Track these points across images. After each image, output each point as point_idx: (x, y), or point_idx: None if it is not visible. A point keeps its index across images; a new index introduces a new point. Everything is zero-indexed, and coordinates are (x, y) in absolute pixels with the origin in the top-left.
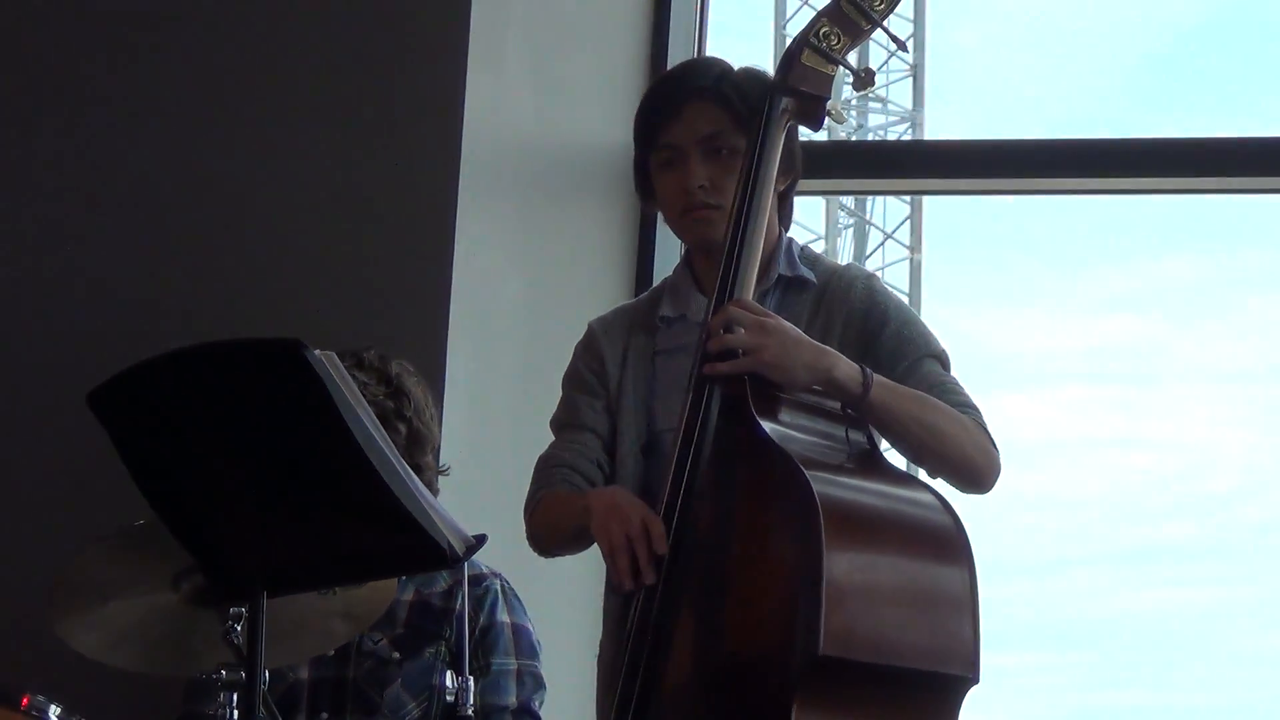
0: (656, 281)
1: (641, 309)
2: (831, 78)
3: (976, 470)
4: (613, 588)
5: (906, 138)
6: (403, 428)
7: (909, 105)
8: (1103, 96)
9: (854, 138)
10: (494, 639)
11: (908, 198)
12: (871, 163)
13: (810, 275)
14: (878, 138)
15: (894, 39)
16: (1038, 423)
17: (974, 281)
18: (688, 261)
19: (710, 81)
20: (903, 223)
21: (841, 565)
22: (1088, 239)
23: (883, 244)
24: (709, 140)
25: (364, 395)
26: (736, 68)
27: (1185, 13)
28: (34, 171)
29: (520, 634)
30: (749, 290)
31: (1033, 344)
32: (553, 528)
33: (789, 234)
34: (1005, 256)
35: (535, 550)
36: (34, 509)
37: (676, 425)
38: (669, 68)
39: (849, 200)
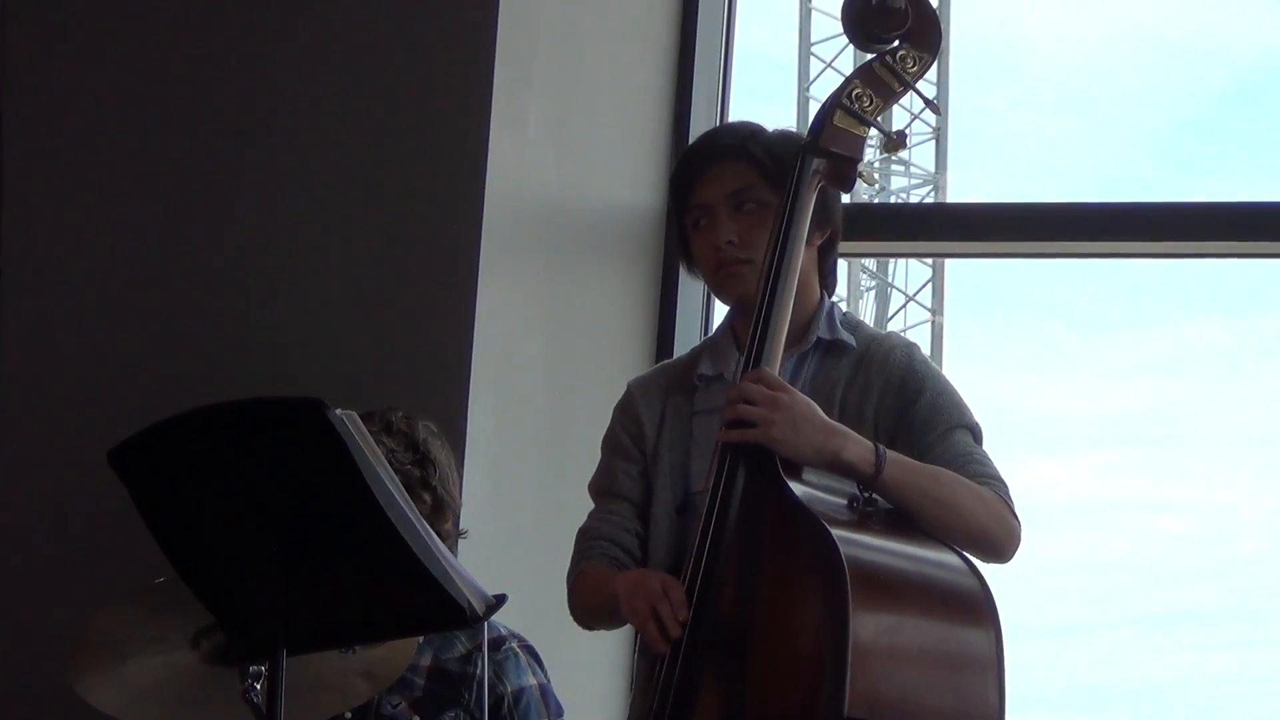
0: (677, 343)
1: (681, 368)
2: (863, 139)
3: (994, 542)
4: (642, 651)
5: (929, 200)
6: (428, 497)
7: (932, 168)
8: (1129, 161)
9: (876, 200)
10: (526, 706)
11: (930, 260)
12: (894, 225)
13: (850, 340)
14: (900, 200)
15: (926, 101)
16: (1061, 486)
17: (996, 344)
18: (730, 322)
19: (735, 140)
20: (925, 285)
21: (867, 627)
22: (1113, 302)
23: (904, 306)
24: (735, 196)
25: (391, 462)
26: (770, 129)
27: (1213, 78)
28: (52, 223)
29: (546, 694)
30: (778, 352)
31: (1057, 407)
32: (589, 607)
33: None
34: (1028, 319)
35: (578, 624)
36: (55, 566)
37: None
38: (699, 130)
39: (871, 263)
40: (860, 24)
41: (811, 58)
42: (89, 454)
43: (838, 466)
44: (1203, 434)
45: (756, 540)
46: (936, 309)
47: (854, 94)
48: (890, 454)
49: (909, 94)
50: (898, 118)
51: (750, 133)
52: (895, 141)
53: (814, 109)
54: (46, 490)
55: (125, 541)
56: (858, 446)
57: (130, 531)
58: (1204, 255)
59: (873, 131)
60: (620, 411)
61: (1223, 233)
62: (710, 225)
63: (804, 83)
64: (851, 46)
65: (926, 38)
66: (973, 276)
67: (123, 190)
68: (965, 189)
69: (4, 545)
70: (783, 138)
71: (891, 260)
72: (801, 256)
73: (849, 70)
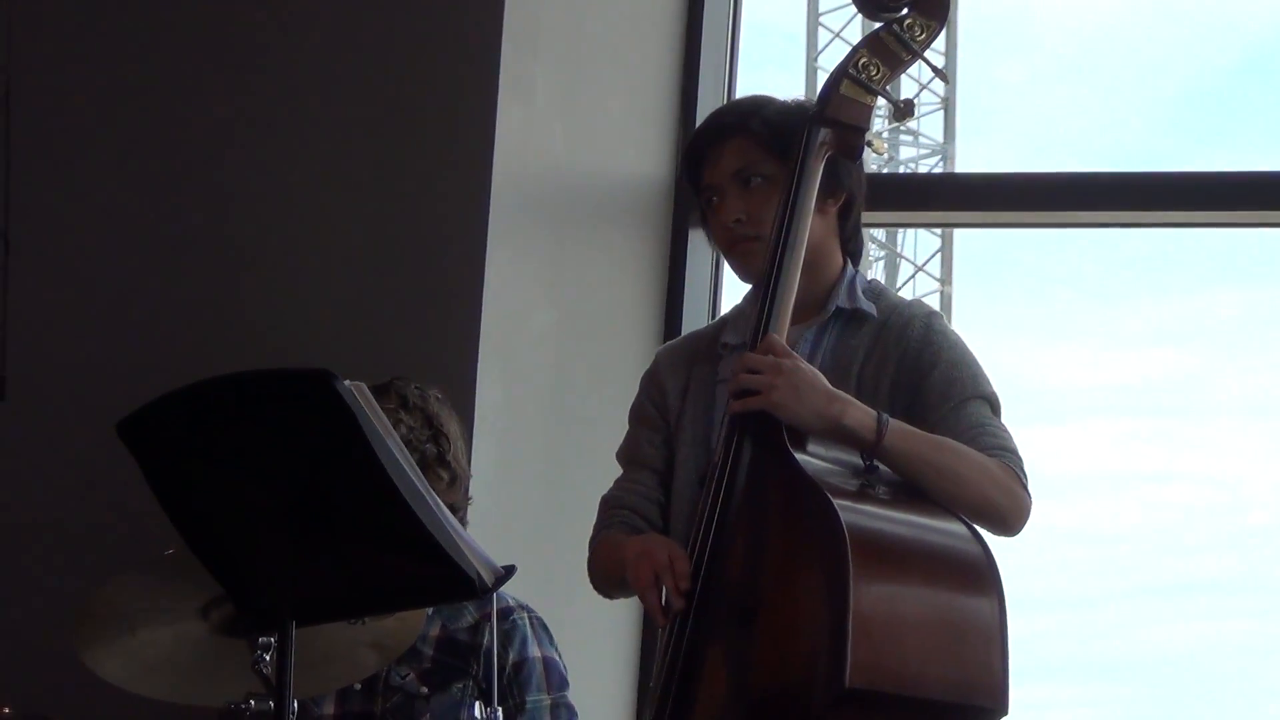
0: (686, 314)
1: (707, 336)
2: (870, 109)
3: (1000, 513)
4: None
5: (938, 170)
6: (445, 474)
7: (940, 138)
8: (1141, 131)
9: (885, 170)
10: (527, 675)
11: (939, 230)
12: (903, 195)
13: (871, 309)
14: (909, 170)
15: (935, 70)
16: (1071, 456)
17: (1004, 314)
18: (755, 291)
19: (736, 119)
20: (933, 255)
21: (869, 596)
22: (1122, 273)
23: (913, 277)
24: (740, 174)
25: (409, 441)
26: (784, 100)
27: (1226, 49)
28: (68, 203)
29: (550, 667)
30: (785, 321)
31: (1066, 377)
32: (605, 574)
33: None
34: (1037, 289)
35: (597, 592)
36: (64, 538)
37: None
38: (707, 101)
39: (880, 233)
40: None
41: (820, 27)
42: (98, 425)
43: (840, 432)
44: (1214, 404)
45: (762, 511)
46: (945, 279)
47: (861, 63)
48: (893, 422)
49: (917, 63)
50: (906, 87)
51: (754, 108)
52: (903, 110)
53: (822, 79)
54: (56, 463)
55: (134, 513)
56: (860, 413)
57: (139, 503)
58: (1215, 225)
59: (881, 101)
60: (647, 380)
61: (1234, 202)
62: (720, 204)
63: (812, 52)
64: (860, 17)
65: (934, 6)
66: (981, 246)
67: (131, 165)
68: (974, 159)
69: (14, 518)
70: (790, 108)
71: (900, 230)
72: (809, 227)
73: (857, 40)
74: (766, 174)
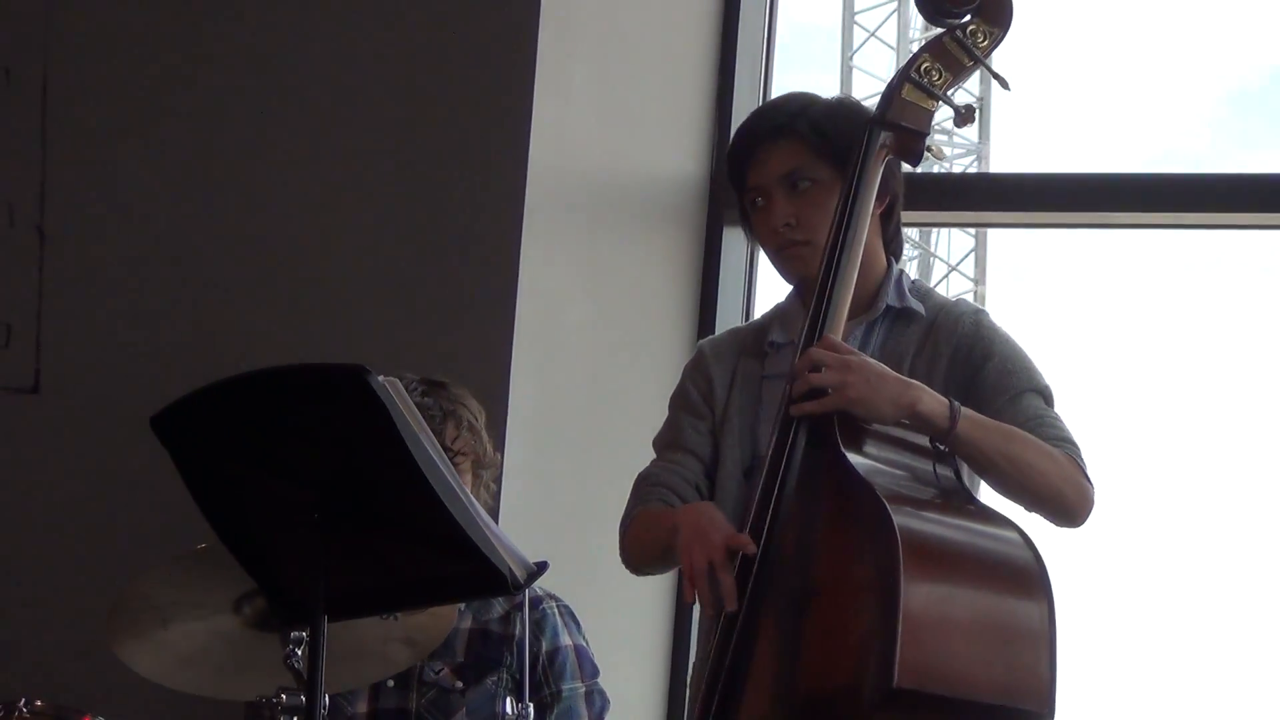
0: (720, 310)
1: (751, 333)
2: (932, 114)
3: (1066, 504)
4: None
5: (972, 170)
6: (490, 482)
7: (975, 138)
8: (1176, 132)
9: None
10: (561, 664)
11: (972, 230)
12: (937, 195)
13: (919, 307)
14: (943, 170)
15: (995, 76)
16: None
17: (1039, 314)
18: (799, 289)
19: (784, 119)
20: (967, 255)
21: (919, 597)
22: (1157, 274)
23: (947, 276)
24: (788, 177)
25: (461, 450)
26: (831, 98)
27: (1267, 50)
28: (103, 199)
29: (582, 655)
30: (840, 324)
31: (1100, 380)
32: (643, 546)
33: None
34: (1070, 289)
35: (627, 568)
36: (97, 531)
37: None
38: (743, 99)
39: (914, 232)
40: None
41: (855, 26)
42: (132, 419)
43: (915, 419)
44: (1247, 410)
45: (813, 510)
46: (979, 278)
47: (923, 67)
48: (964, 410)
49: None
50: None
51: (800, 108)
52: (964, 116)
53: (857, 77)
54: (88, 455)
55: (167, 507)
56: (933, 400)
57: (172, 497)
58: (1253, 227)
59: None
60: (691, 369)
61: (1274, 204)
62: (767, 206)
63: (847, 51)
64: (895, 16)
65: (998, 13)
66: (1015, 246)
67: (166, 160)
68: (1008, 159)
69: (48, 511)
70: (836, 108)
71: (934, 230)
72: (866, 229)
73: (891, 39)
74: (815, 177)
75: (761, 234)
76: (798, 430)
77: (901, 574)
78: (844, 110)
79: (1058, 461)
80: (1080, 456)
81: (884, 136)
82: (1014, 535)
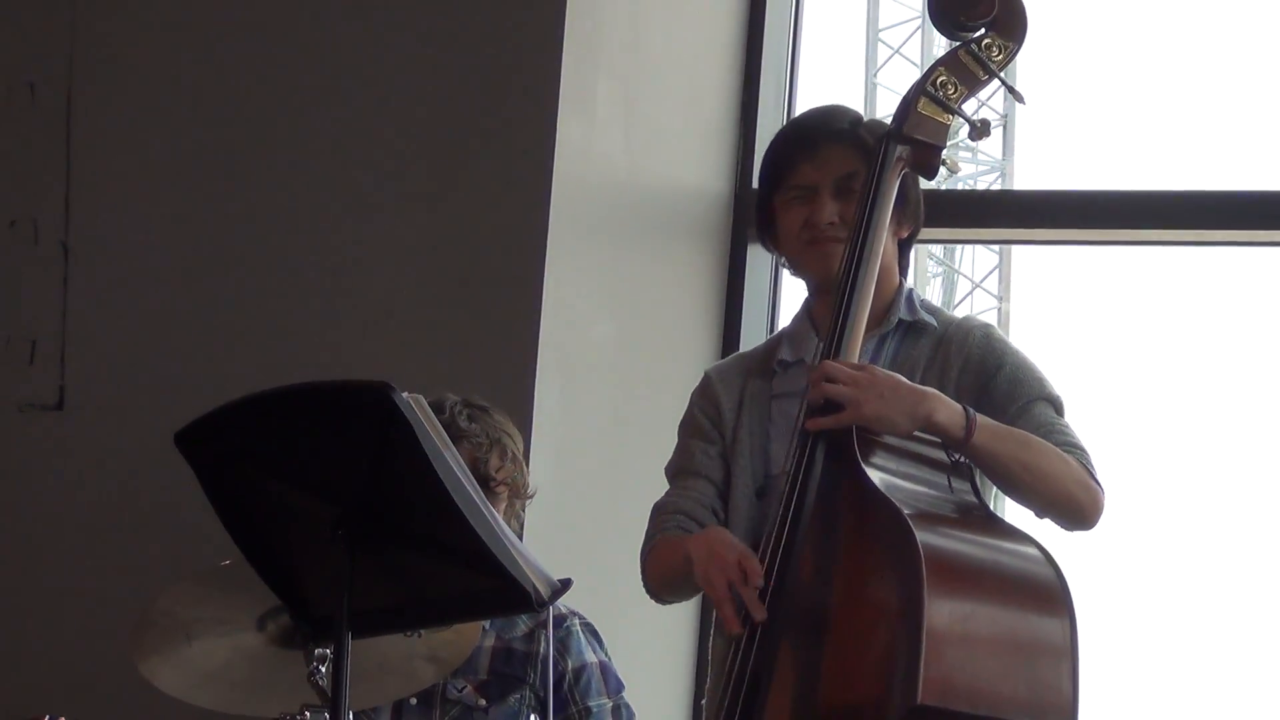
0: (745, 327)
1: (758, 355)
2: (947, 127)
3: (1079, 507)
4: (718, 629)
5: (996, 187)
6: (521, 511)
7: (999, 154)
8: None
9: (943, 186)
10: (587, 681)
11: (996, 247)
12: (960, 212)
13: (931, 320)
14: (967, 186)
15: (1010, 90)
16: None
17: (1064, 332)
18: (807, 309)
19: (847, 125)
20: (991, 272)
21: (942, 614)
22: (1184, 291)
23: (971, 293)
24: (844, 180)
25: (504, 480)
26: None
27: None
28: (127, 215)
29: (606, 671)
30: (858, 338)
31: (1125, 397)
32: (662, 574)
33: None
34: (1095, 307)
35: (650, 597)
36: (120, 547)
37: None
38: (767, 115)
39: (937, 249)
40: (946, 12)
41: (879, 43)
42: (156, 436)
43: (932, 429)
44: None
45: (833, 526)
46: (1003, 295)
47: (939, 81)
48: (980, 417)
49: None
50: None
51: (856, 118)
52: (980, 130)
53: (881, 94)
54: (113, 472)
55: (191, 523)
56: (948, 409)
57: (196, 513)
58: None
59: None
60: (698, 395)
61: None
62: (812, 203)
63: (871, 68)
64: (919, 34)
65: (1012, 26)
66: (1040, 263)
67: (191, 178)
68: (1032, 176)
69: (72, 526)
70: (879, 126)
71: (958, 247)
72: (884, 242)
73: (916, 56)
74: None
75: (794, 224)
76: (815, 446)
77: (925, 590)
78: (880, 128)
79: (1070, 466)
80: (1090, 461)
81: (900, 150)
82: (1035, 551)
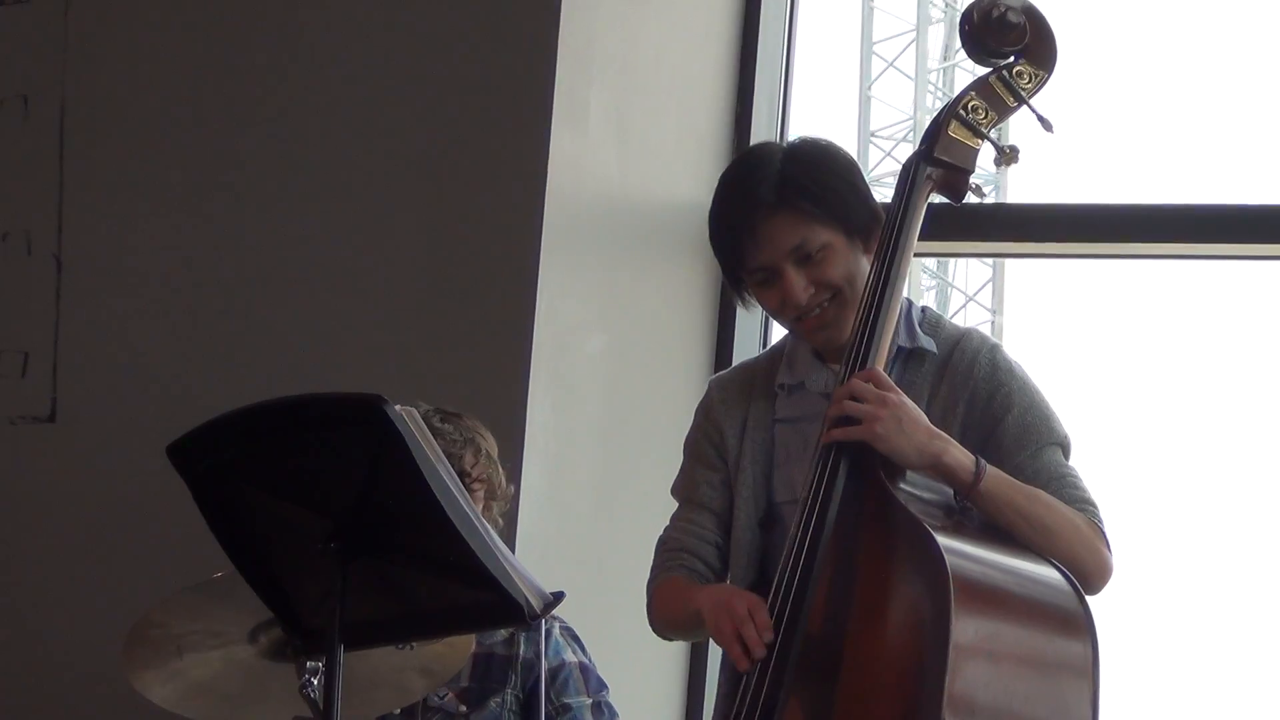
0: (737, 340)
1: (761, 370)
2: (976, 151)
3: (1085, 572)
4: (724, 664)
5: (990, 200)
6: (499, 515)
7: (992, 168)
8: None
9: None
10: (564, 680)
11: (990, 260)
12: (954, 225)
13: (931, 345)
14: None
15: (1040, 119)
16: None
17: (1057, 345)
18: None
19: (772, 195)
20: (984, 285)
21: (967, 631)
22: (1178, 304)
23: (964, 306)
24: (796, 251)
25: (479, 477)
26: (797, 146)
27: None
28: (120, 227)
29: (586, 672)
30: (882, 359)
31: (1120, 411)
32: (668, 617)
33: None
34: (1089, 320)
35: (654, 631)
36: (112, 560)
37: (798, 497)
38: (760, 128)
39: (931, 263)
40: (978, 38)
41: (874, 56)
42: (148, 448)
43: (939, 470)
44: (1269, 441)
45: (854, 544)
46: (996, 309)
47: (970, 105)
48: (990, 467)
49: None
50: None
51: (776, 173)
52: (1009, 156)
53: (875, 107)
54: (105, 484)
55: (182, 536)
56: (960, 453)
57: (188, 526)
58: (1275, 258)
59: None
60: (702, 416)
61: None
62: (780, 282)
63: (865, 81)
64: (913, 46)
65: (1043, 54)
66: (1034, 277)
67: (183, 190)
68: (1026, 189)
69: (63, 539)
70: (811, 162)
71: (952, 260)
72: (909, 264)
73: (910, 70)
74: (823, 243)
75: (774, 307)
76: (839, 463)
77: (953, 605)
78: (819, 160)
79: (1079, 528)
80: (1101, 520)
81: (930, 171)
82: (1056, 574)
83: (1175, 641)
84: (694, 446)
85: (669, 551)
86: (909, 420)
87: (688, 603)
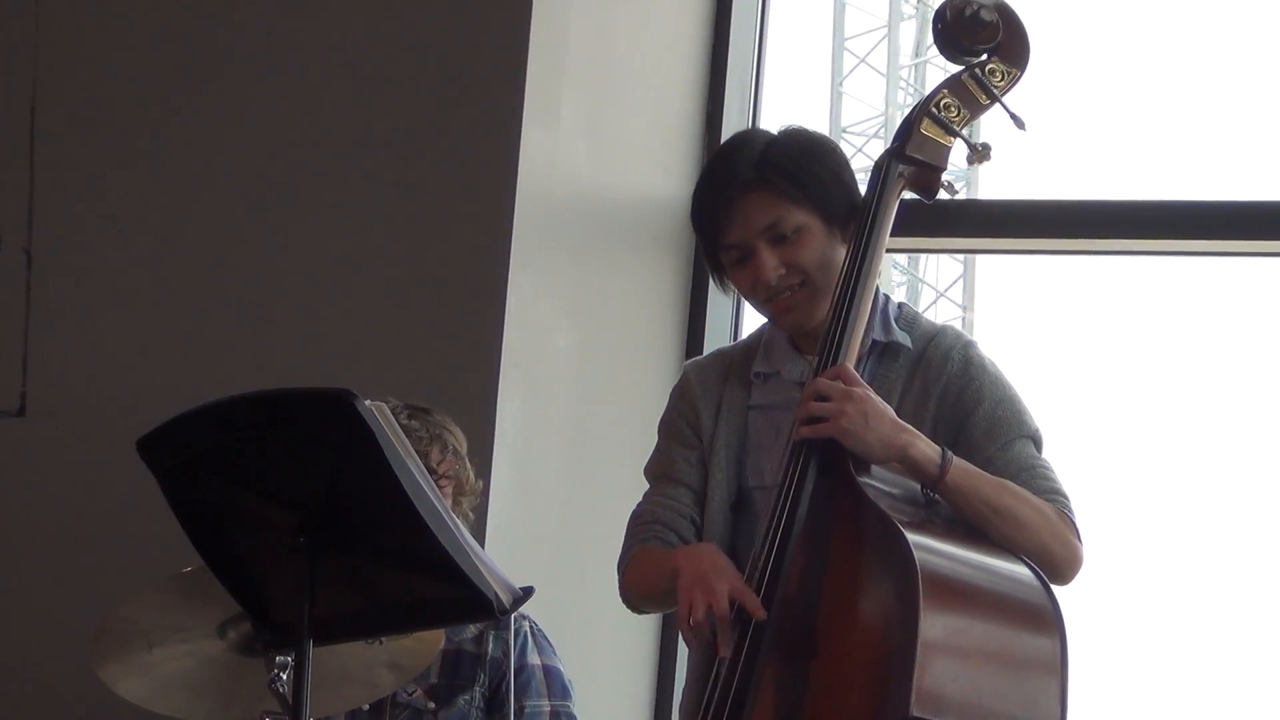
0: (708, 336)
1: (737, 358)
2: (949, 149)
3: (1054, 562)
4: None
5: (960, 196)
6: (469, 510)
7: (964, 164)
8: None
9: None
10: (526, 681)
11: (961, 256)
12: (925, 221)
13: (905, 340)
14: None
15: (1013, 116)
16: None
17: (1028, 341)
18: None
19: (751, 171)
20: (955, 281)
21: (936, 627)
22: (1148, 301)
23: (935, 302)
24: (770, 229)
25: (446, 473)
26: (786, 133)
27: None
28: (91, 221)
29: (551, 675)
30: (853, 354)
31: (1091, 408)
32: (643, 586)
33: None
34: (1060, 316)
35: (627, 606)
36: (81, 554)
37: (767, 483)
38: (732, 124)
39: (902, 258)
40: (951, 36)
41: (845, 52)
42: (118, 442)
43: (905, 463)
44: (1239, 438)
45: (824, 540)
46: (967, 305)
47: (942, 103)
48: (956, 459)
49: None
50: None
51: (759, 153)
52: (981, 154)
53: (847, 103)
54: (75, 478)
55: (152, 530)
56: (926, 446)
57: (157, 520)
58: (1244, 254)
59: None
60: (678, 397)
61: (1264, 231)
62: (753, 261)
63: (837, 77)
64: (884, 42)
65: (1016, 53)
66: (1004, 273)
67: (155, 184)
68: (997, 185)
69: (32, 534)
70: (798, 148)
71: (922, 256)
72: (880, 261)
73: (882, 66)
74: (798, 224)
75: (747, 287)
76: (809, 459)
77: (921, 601)
78: (804, 146)
79: (1048, 518)
80: (1071, 511)
81: (901, 168)
82: (1025, 570)
83: (1147, 637)
84: (670, 425)
85: (643, 524)
86: (874, 415)
87: (665, 564)
